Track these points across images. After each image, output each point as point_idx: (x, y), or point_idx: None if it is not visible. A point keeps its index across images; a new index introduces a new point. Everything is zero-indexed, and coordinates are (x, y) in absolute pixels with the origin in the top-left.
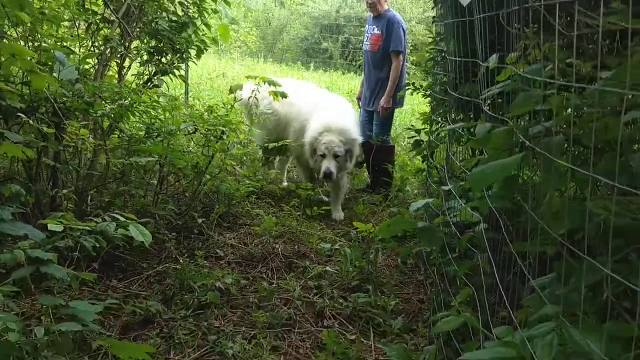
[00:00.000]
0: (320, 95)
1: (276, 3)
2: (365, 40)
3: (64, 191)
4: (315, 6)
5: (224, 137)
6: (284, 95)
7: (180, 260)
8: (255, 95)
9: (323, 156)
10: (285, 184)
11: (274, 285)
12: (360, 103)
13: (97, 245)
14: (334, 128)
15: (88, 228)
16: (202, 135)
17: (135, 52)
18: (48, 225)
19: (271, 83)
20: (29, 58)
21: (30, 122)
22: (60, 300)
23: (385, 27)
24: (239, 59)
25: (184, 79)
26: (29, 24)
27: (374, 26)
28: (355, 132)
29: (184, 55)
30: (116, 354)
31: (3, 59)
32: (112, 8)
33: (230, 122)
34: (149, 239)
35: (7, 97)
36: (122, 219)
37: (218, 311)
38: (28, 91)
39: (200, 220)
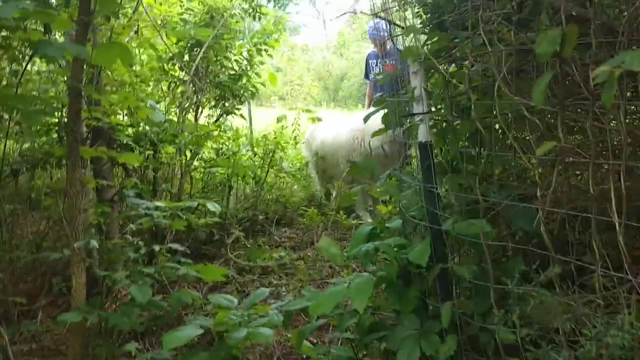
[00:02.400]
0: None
1: (336, 56)
2: (378, 71)
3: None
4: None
5: (275, 154)
6: (319, 119)
7: (248, 246)
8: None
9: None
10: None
11: (318, 256)
12: None
13: (187, 219)
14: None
15: (182, 206)
16: (259, 157)
17: (205, 100)
18: (156, 203)
19: (307, 111)
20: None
21: (137, 148)
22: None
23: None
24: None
25: (244, 117)
26: (128, 84)
27: (386, 60)
28: None
29: (241, 99)
30: (202, 276)
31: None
32: (186, 71)
33: (279, 142)
34: (220, 209)
35: (118, 134)
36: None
37: (276, 274)
38: (131, 131)
39: (261, 217)
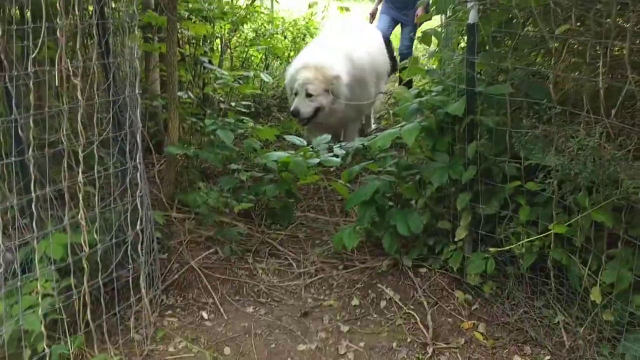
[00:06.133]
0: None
1: None
2: None
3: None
4: None
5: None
6: (347, 9)
7: (281, 118)
8: None
9: (296, 94)
10: None
11: None
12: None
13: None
14: (311, 64)
15: (242, 74)
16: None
17: None
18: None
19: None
20: None
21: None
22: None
23: None
24: None
25: (277, 1)
26: None
27: None
28: (337, 69)
29: None
30: (258, 135)
31: None
32: None
33: (309, 29)
34: (272, 80)
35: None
36: None
37: None
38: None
39: None
